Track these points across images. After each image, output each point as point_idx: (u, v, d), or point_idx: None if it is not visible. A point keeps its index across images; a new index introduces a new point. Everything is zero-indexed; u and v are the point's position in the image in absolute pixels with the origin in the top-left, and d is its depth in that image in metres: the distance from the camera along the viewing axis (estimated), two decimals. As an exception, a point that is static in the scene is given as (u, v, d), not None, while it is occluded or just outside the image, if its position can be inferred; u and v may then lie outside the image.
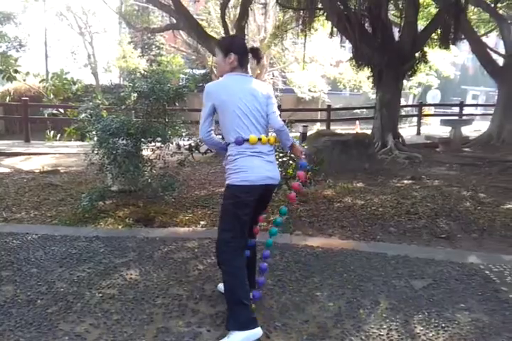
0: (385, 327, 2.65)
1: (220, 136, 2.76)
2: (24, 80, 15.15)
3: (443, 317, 2.78)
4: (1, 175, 7.00)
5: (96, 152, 4.86)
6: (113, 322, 2.65)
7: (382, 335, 2.56)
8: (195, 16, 12.13)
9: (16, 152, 9.65)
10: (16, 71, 14.35)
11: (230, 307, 2.50)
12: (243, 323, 2.41)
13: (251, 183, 2.54)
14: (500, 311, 2.86)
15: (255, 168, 2.55)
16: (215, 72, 15.22)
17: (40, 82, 15.34)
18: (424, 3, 12.61)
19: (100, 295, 2.98)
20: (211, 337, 2.50)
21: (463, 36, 11.47)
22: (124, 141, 4.80)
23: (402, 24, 10.05)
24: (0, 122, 15.55)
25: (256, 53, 2.76)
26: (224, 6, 11.46)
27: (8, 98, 15.94)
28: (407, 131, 14.78)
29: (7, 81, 14.72)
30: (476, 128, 13.72)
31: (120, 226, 4.52)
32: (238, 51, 2.66)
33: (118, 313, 2.74)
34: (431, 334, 2.58)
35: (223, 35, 11.74)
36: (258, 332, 2.43)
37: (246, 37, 12.60)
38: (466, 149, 11.10)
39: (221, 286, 3.01)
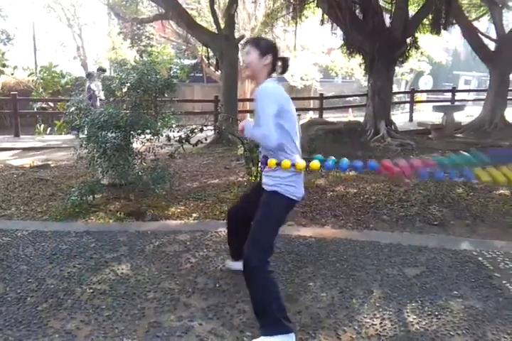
0: (378, 316, 2.64)
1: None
2: (12, 74, 14.93)
3: (436, 305, 2.77)
4: (-10, 171, 6.92)
5: (85, 146, 4.80)
6: (104, 318, 2.62)
7: (376, 325, 2.55)
8: (184, 5, 11.93)
9: (6, 147, 9.54)
10: (4, 65, 14.14)
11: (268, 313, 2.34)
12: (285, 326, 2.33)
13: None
14: (493, 298, 2.86)
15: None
16: (205, 61, 15.02)
17: (28, 76, 15.13)
18: (415, -12, 12.47)
19: (91, 291, 2.95)
20: (203, 331, 2.48)
21: (454, 21, 11.36)
22: (114, 134, 4.74)
23: (393, 10, 9.95)
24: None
25: (285, 62, 2.64)
26: (213, -5, 11.27)
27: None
28: (399, 117, 14.75)
29: (-5, 75, 14.53)
30: (469, 113, 13.70)
31: (111, 220, 4.48)
32: (275, 55, 2.57)
33: (109, 309, 2.72)
34: (424, 323, 2.57)
35: (213, 27, 11.57)
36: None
37: (236, 26, 12.42)
38: (459, 135, 11.09)
39: (230, 262, 3.15)
